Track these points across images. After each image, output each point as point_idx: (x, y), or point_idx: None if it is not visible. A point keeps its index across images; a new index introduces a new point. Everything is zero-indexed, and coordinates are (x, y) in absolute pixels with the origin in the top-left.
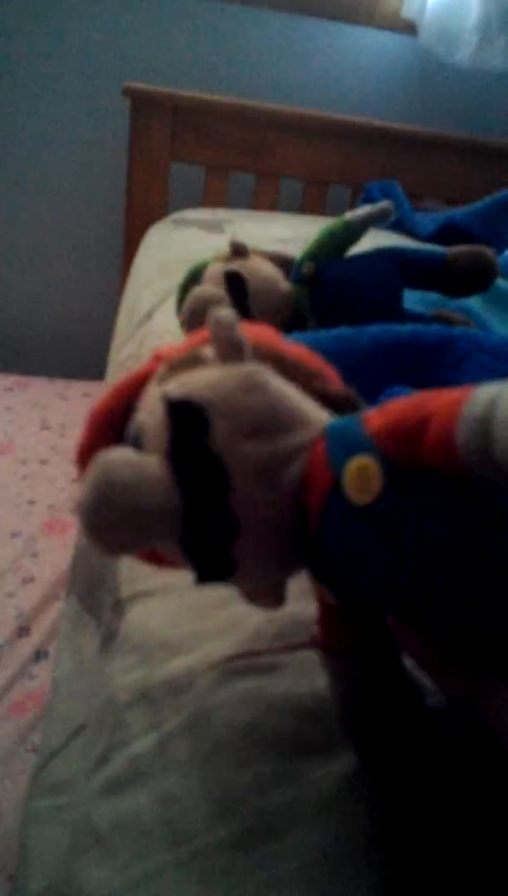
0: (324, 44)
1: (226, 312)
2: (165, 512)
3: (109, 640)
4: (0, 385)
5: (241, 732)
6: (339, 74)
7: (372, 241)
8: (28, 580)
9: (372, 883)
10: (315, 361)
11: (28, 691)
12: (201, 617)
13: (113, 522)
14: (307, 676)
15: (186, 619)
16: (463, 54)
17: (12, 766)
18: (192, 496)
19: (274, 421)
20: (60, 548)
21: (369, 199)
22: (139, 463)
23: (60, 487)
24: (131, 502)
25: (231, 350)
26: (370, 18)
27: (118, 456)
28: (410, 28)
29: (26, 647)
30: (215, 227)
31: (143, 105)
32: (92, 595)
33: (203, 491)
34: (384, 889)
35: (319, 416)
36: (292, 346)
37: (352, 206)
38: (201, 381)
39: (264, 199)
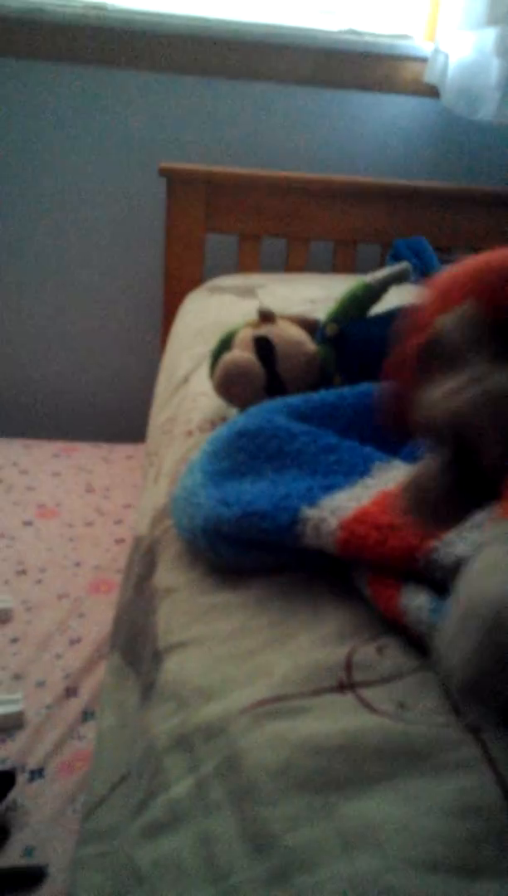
0: (348, 112)
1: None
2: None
3: (148, 690)
4: (48, 451)
5: (273, 772)
6: (364, 139)
7: (400, 296)
8: (75, 641)
9: None
10: None
11: (76, 752)
12: (233, 665)
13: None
14: (334, 717)
15: (219, 667)
16: (487, 111)
17: (61, 828)
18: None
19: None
20: (106, 607)
21: (396, 256)
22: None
23: (105, 548)
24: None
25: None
26: (393, 86)
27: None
28: (432, 91)
29: (74, 707)
30: (248, 292)
31: (177, 182)
32: (133, 649)
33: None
34: None
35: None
36: None
37: (382, 262)
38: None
39: (295, 262)
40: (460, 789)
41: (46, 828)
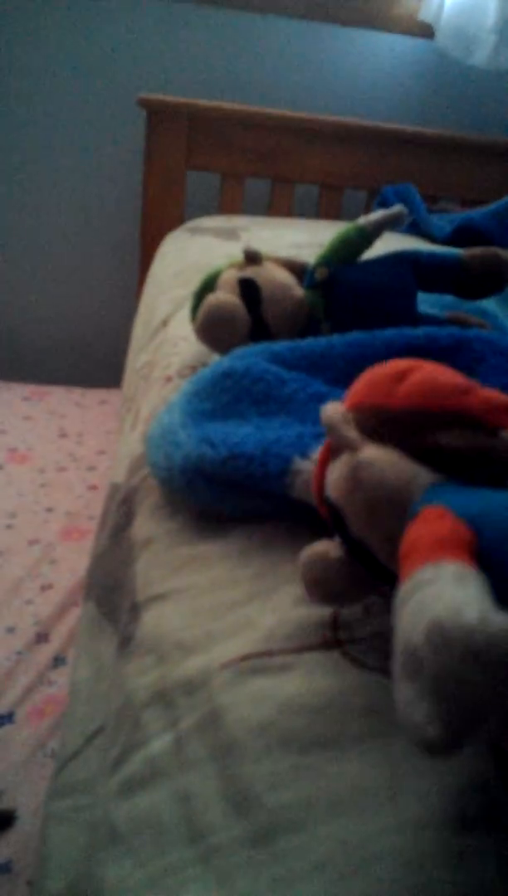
0: (340, 49)
1: (332, 409)
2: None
3: (125, 643)
4: (18, 394)
5: (255, 730)
6: (355, 79)
7: (386, 244)
8: (46, 587)
9: (387, 876)
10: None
11: (47, 697)
12: (214, 618)
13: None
14: (319, 676)
15: (200, 620)
16: (481, 55)
17: (31, 772)
18: (250, 310)
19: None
20: (78, 554)
21: (384, 203)
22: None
23: (78, 495)
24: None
25: (343, 445)
26: (386, 22)
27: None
28: (426, 31)
29: (45, 653)
30: (230, 234)
31: (158, 115)
32: (109, 600)
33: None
34: (401, 881)
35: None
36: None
37: (368, 210)
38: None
39: (279, 206)
40: None
41: (16, 772)
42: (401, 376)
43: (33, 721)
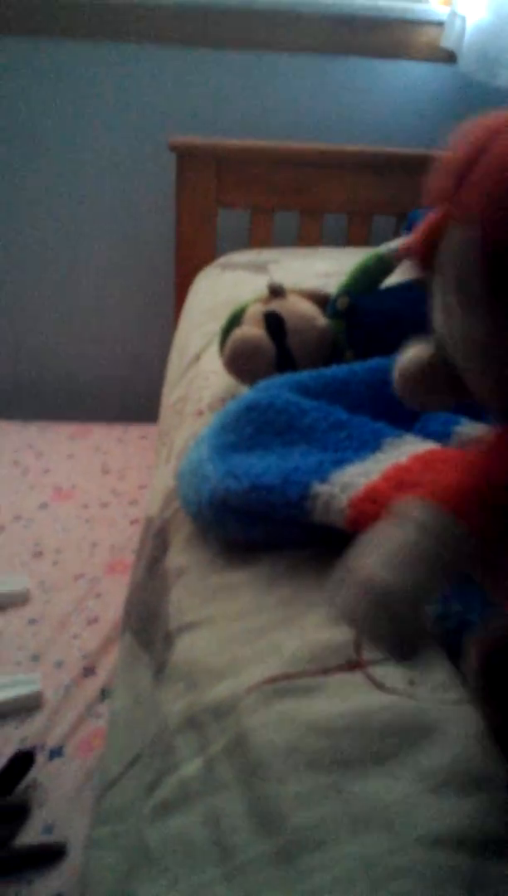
0: (363, 80)
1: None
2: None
3: (160, 670)
4: (63, 434)
5: (281, 752)
6: (379, 108)
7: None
8: (92, 621)
9: (404, 892)
10: None
11: (95, 730)
12: (242, 644)
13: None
14: (342, 697)
15: (229, 646)
16: (506, 76)
17: (81, 805)
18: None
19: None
20: (122, 588)
21: (411, 228)
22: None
23: (121, 529)
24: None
25: None
26: (408, 51)
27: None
28: (449, 57)
29: (92, 686)
30: (260, 267)
31: (187, 157)
32: (145, 630)
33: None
34: (417, 882)
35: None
36: None
37: (397, 235)
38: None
39: (308, 236)
40: (467, 764)
41: (66, 805)
42: None
43: (82, 754)
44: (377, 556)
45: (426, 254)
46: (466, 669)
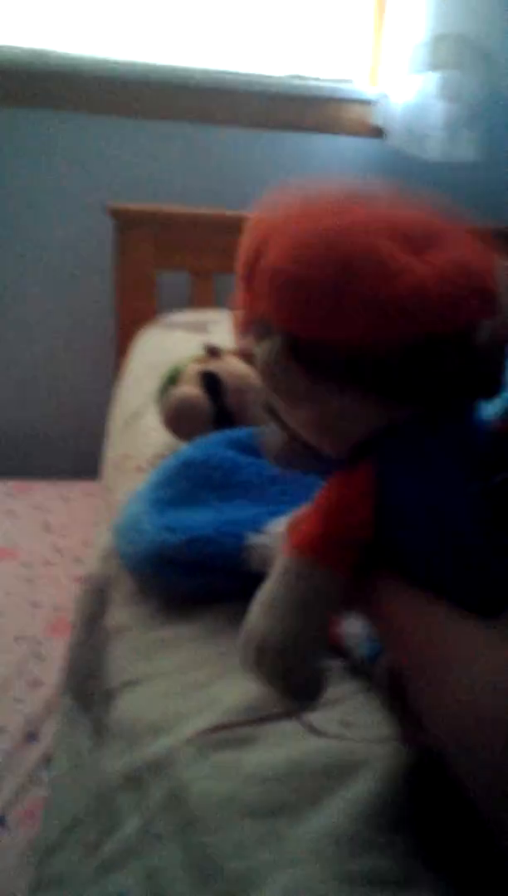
0: (297, 152)
1: None
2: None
3: (100, 730)
4: (1, 491)
5: (218, 802)
6: (312, 179)
7: None
8: (34, 684)
9: None
10: None
11: (37, 798)
12: (182, 698)
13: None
14: (278, 744)
15: (168, 701)
16: (433, 150)
17: (25, 877)
18: (213, 400)
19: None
20: (66, 648)
21: None
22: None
23: (65, 588)
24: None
25: None
26: (338, 127)
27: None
28: (376, 131)
29: (34, 752)
30: (200, 327)
31: (126, 222)
32: (84, 689)
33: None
34: None
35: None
36: None
37: None
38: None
39: None
40: (392, 801)
41: (10, 877)
42: None
43: (25, 824)
44: (256, 611)
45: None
46: (376, 688)
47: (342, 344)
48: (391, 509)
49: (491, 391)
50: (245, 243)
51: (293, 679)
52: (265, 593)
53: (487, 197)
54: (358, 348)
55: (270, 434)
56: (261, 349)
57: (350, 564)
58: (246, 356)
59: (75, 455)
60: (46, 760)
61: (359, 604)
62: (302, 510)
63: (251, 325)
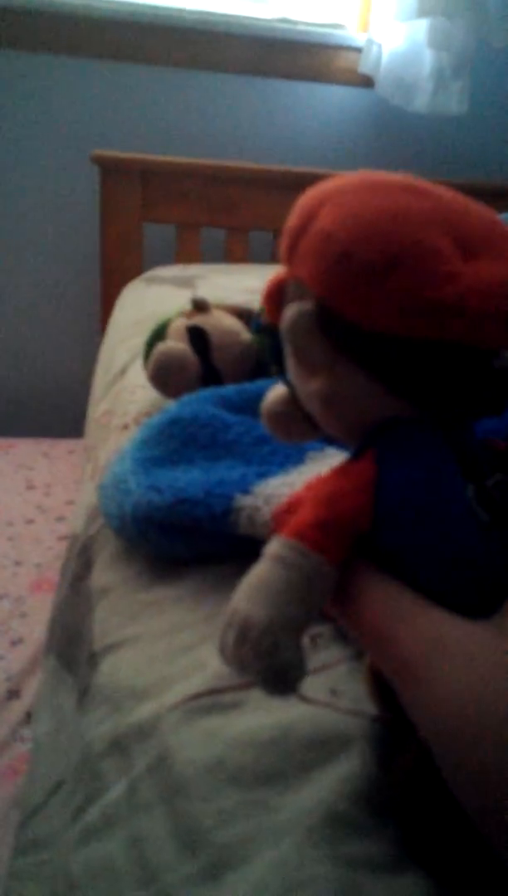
0: (285, 102)
1: None
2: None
3: (84, 693)
4: None
5: (204, 769)
6: (301, 129)
7: None
8: (17, 642)
9: (319, 887)
10: None
11: (20, 754)
12: (168, 662)
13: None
14: (267, 710)
15: (154, 666)
16: (421, 101)
17: (7, 831)
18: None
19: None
20: (48, 607)
21: None
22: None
23: (47, 546)
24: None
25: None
26: (327, 75)
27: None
28: (366, 81)
29: (17, 709)
30: (186, 282)
31: (112, 171)
32: (69, 651)
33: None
34: (330, 892)
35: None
36: None
37: None
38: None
39: (235, 252)
40: (379, 773)
41: None
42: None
43: (7, 779)
44: (242, 594)
45: (273, 310)
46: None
47: (368, 327)
48: (388, 502)
49: (496, 411)
50: (300, 202)
51: (275, 660)
52: (252, 577)
53: (474, 151)
54: (383, 336)
55: (272, 397)
56: (290, 309)
57: (343, 555)
58: (236, 312)
59: (59, 413)
60: (28, 717)
61: (338, 600)
62: (295, 497)
63: (287, 284)
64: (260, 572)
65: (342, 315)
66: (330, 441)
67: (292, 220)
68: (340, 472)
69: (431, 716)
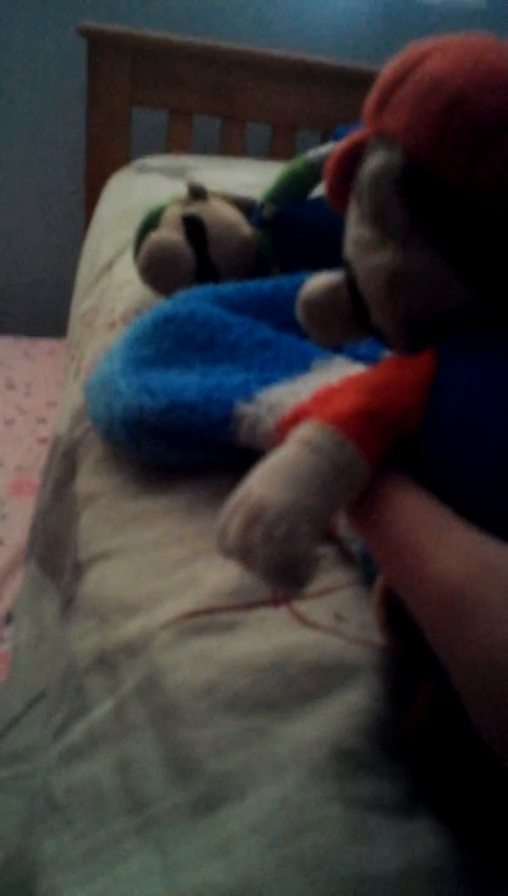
0: None
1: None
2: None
3: (68, 603)
4: None
5: (198, 692)
6: (309, 14)
7: None
8: None
9: (324, 844)
10: None
11: (1, 653)
12: (159, 577)
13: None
14: (265, 633)
15: (144, 579)
16: None
17: None
18: (195, 249)
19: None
20: (28, 509)
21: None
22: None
23: (27, 448)
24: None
25: None
26: None
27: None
28: None
29: None
30: (178, 173)
31: (100, 47)
32: (51, 558)
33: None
34: (339, 850)
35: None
36: None
37: None
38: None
39: (230, 145)
40: (389, 708)
41: None
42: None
43: None
44: (257, 476)
45: (341, 177)
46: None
47: (466, 194)
48: (446, 406)
49: None
50: (397, 58)
51: (288, 548)
52: (273, 460)
53: None
54: (479, 208)
55: (316, 286)
56: (374, 159)
57: (380, 455)
58: (237, 203)
59: (39, 311)
60: (8, 618)
61: (364, 508)
62: (301, 406)
63: (367, 144)
64: (283, 455)
65: (436, 176)
66: (339, 350)
67: (387, 72)
68: (392, 363)
69: (476, 657)
